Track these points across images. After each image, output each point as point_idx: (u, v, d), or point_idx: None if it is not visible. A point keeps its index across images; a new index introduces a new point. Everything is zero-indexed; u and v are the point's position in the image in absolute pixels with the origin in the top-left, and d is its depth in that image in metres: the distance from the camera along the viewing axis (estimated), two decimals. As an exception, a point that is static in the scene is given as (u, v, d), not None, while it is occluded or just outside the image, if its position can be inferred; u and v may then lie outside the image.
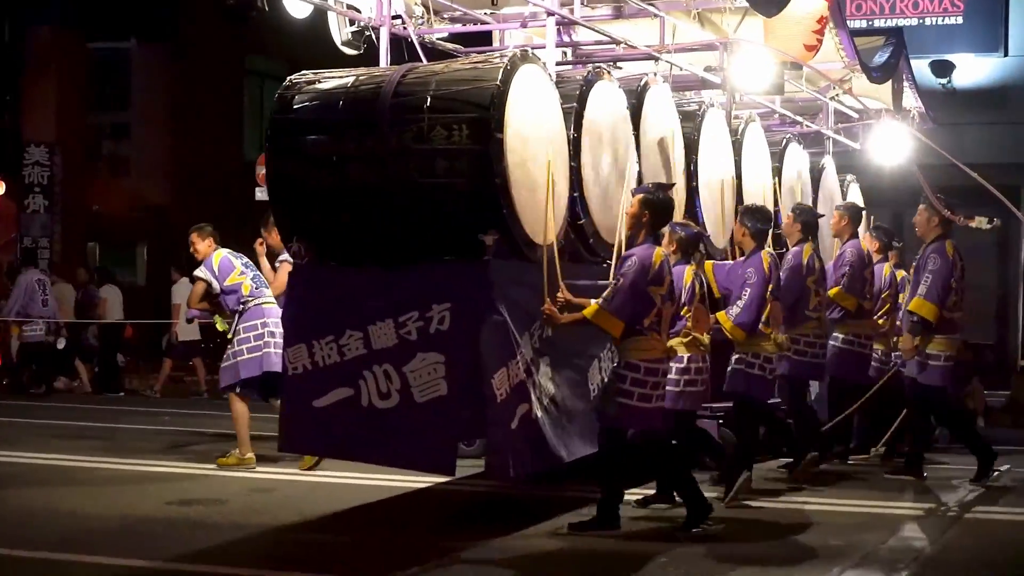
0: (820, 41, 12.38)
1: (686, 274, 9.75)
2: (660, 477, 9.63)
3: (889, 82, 14.88)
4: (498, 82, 8.86)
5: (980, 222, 12.18)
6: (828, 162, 15.04)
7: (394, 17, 10.22)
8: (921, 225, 11.48)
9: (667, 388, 9.45)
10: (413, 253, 9.08)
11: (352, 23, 10.66)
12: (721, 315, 10.41)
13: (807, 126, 14.90)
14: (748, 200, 12.53)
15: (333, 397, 9.09)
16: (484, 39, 12.08)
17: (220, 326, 12.04)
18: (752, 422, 10.75)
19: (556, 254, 8.87)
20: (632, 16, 11.80)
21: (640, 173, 10.64)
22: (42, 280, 19.09)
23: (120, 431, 14.86)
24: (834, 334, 12.16)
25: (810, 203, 13.81)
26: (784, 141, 13.79)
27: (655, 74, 11.29)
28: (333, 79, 9.51)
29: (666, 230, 9.83)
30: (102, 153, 30.56)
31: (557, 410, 9.52)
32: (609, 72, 10.44)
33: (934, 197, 11.24)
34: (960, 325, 11.46)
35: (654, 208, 8.88)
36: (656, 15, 11.72)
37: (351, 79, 9.40)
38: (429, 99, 8.96)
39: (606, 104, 10.25)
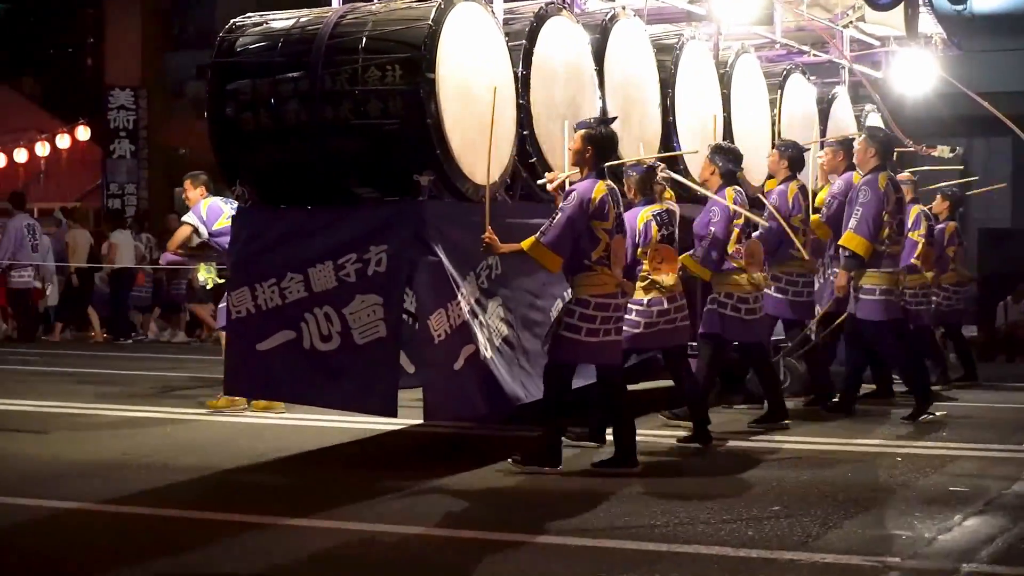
0: (797, -32, 12.16)
1: (641, 215, 9.69)
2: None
3: (901, 8, 14.58)
4: (430, 21, 8.88)
5: (942, 151, 12.00)
6: (841, 92, 14.83)
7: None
8: (858, 155, 11.35)
9: (626, 329, 9.47)
10: (351, 195, 9.14)
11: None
12: (685, 257, 10.36)
13: (815, 55, 14.65)
14: (739, 135, 12.46)
15: (276, 340, 9.17)
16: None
17: (202, 274, 12.17)
18: (715, 362, 10.73)
19: (502, 193, 8.86)
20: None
21: (604, 109, 10.58)
22: (32, 225, 19.12)
23: (121, 377, 15.04)
24: None
25: (817, 135, 13.62)
26: (784, 72, 13.60)
27: (623, 7, 11.15)
28: (277, 21, 9.58)
29: (623, 175, 9.85)
30: (186, 94, 30.08)
31: (512, 350, 9.56)
32: (566, 7, 10.36)
33: (895, 125, 11.05)
34: (898, 258, 11.29)
35: (596, 143, 8.83)
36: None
37: (292, 21, 9.46)
38: (364, 40, 9.01)
39: (561, 40, 10.21)
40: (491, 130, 8.68)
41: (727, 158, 10.66)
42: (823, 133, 14.06)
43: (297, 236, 9.18)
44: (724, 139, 12.20)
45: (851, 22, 15.04)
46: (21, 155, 25.27)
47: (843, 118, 14.71)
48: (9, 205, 20.03)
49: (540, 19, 9.98)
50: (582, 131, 8.86)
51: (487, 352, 9.20)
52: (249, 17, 9.70)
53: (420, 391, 9.02)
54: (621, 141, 10.59)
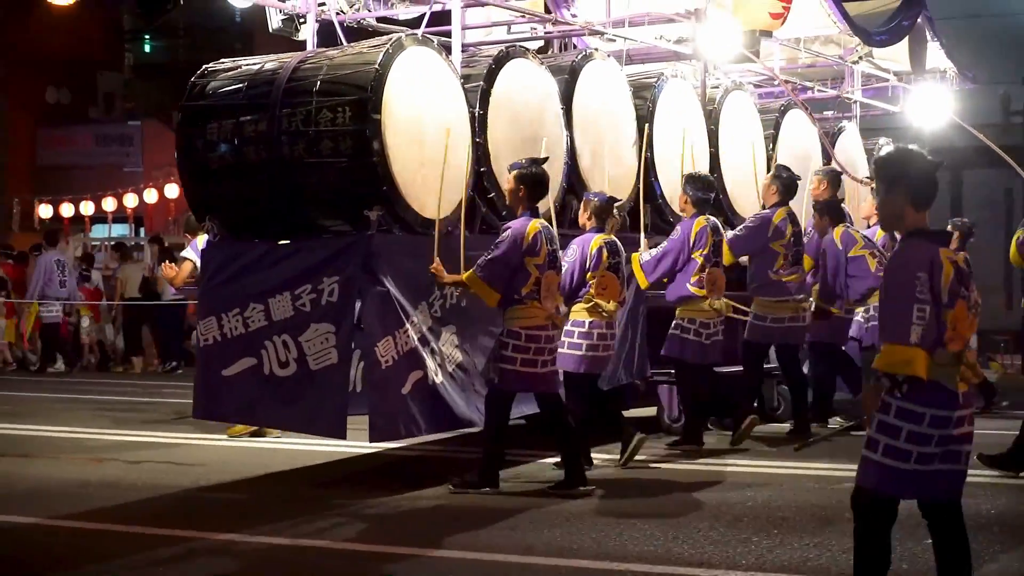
0: (787, 9, 12.59)
1: (594, 241, 10.15)
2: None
3: (905, 44, 14.91)
4: (377, 65, 9.44)
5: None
6: (849, 127, 15.14)
7: (320, 4, 10.79)
8: (763, 191, 11.98)
9: (569, 352, 9.99)
10: (307, 229, 9.72)
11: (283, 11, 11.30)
12: (634, 256, 10.89)
13: (820, 91, 15.01)
14: (728, 168, 12.87)
15: (240, 366, 9.78)
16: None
17: None
18: (690, 385, 11.13)
19: (461, 226, 9.37)
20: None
21: (573, 146, 11.07)
22: (61, 261, 19.85)
23: (148, 405, 15.67)
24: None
25: (814, 166, 13.95)
26: (781, 108, 13.98)
27: (596, 49, 11.64)
28: (246, 65, 10.21)
29: (583, 198, 10.36)
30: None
31: (467, 376, 10.08)
32: (528, 50, 10.87)
33: (835, 159, 11.42)
34: (789, 288, 11.73)
35: (528, 182, 9.32)
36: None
37: (259, 66, 10.09)
38: (318, 83, 9.61)
39: (523, 81, 10.72)
40: (443, 167, 9.25)
41: (697, 187, 11.10)
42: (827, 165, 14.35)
43: (258, 268, 9.78)
44: (712, 173, 12.64)
45: (860, 58, 15.34)
46: (172, 190, 25.90)
47: (850, 151, 14.99)
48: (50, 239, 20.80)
49: (499, 61, 10.51)
50: (515, 171, 9.36)
51: (437, 377, 9.72)
52: (222, 62, 10.34)
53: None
54: (594, 178, 11.19)
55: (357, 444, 10.57)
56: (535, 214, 9.38)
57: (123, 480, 10.02)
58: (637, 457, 10.32)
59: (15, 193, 29.32)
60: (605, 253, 10.16)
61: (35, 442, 12.18)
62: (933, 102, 15.88)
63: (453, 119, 9.90)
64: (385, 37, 9.91)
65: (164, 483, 9.86)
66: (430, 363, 9.70)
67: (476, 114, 10.22)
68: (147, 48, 37.62)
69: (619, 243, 10.30)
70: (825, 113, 16.11)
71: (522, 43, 12.55)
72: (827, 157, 14.36)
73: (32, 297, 19.59)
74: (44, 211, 27.93)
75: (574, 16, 13.37)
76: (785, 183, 11.73)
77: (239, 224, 10.06)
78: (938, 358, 5.35)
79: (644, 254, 10.91)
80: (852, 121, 15.49)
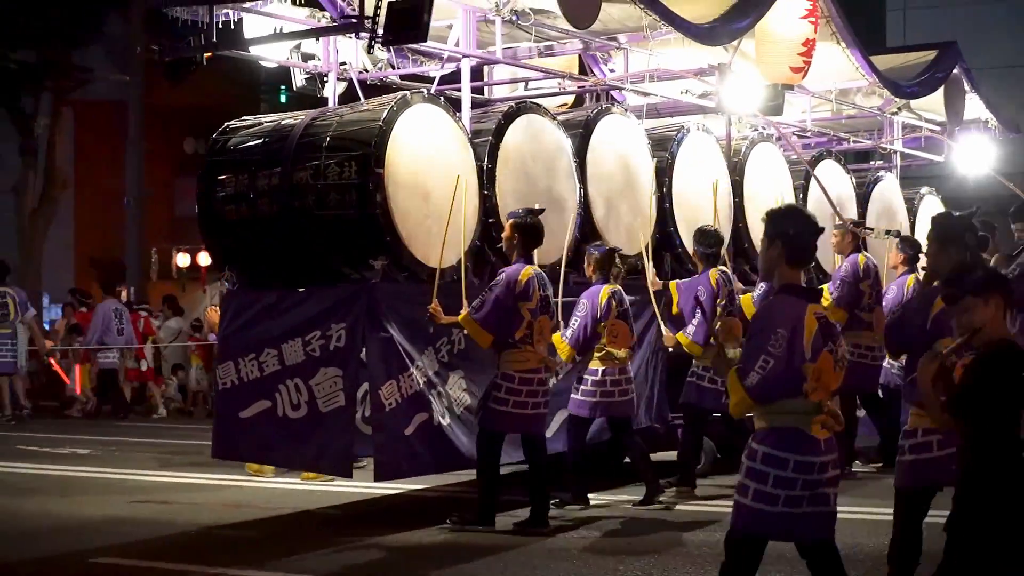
0: (807, 63, 12.86)
1: (602, 292, 10.50)
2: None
3: (941, 95, 15.13)
4: (381, 122, 9.91)
5: (879, 232, 12.53)
6: (887, 176, 15.33)
7: (341, 64, 11.29)
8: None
9: (581, 398, 10.40)
10: (318, 277, 10.19)
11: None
12: (680, 335, 11.12)
13: (855, 141, 15.25)
14: (752, 219, 13.14)
15: (255, 409, 10.27)
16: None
17: None
18: (695, 431, 11.40)
19: (464, 273, 9.79)
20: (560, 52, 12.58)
21: (587, 198, 11.44)
22: (119, 309, 20.38)
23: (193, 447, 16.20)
24: None
25: (849, 215, 14.16)
26: (812, 159, 14.24)
27: (613, 103, 12.04)
28: (267, 123, 10.75)
29: (586, 252, 10.73)
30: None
31: (475, 417, 10.43)
32: (540, 106, 11.30)
33: (836, 210, 11.65)
34: (870, 323, 12.20)
35: (522, 231, 9.72)
36: (620, 47, 12.48)
37: (276, 123, 10.62)
38: (328, 139, 10.11)
39: (534, 135, 11.12)
40: (448, 220, 9.69)
41: (705, 242, 11.37)
42: (862, 215, 14.57)
43: (272, 315, 10.27)
44: (736, 224, 12.96)
45: (899, 109, 15.55)
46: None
47: (889, 201, 15.17)
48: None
49: (508, 117, 10.93)
50: (511, 220, 9.78)
51: (444, 419, 10.14)
52: (245, 119, 10.89)
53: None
54: (607, 228, 11.56)
55: (370, 484, 10.99)
56: (529, 261, 9.75)
57: (152, 518, 10.54)
58: (627, 497, 10.62)
59: (153, 242, 30.02)
60: (614, 303, 10.51)
61: (79, 482, 12.75)
62: (975, 152, 16.02)
63: (459, 173, 10.32)
64: (394, 95, 10.34)
65: (185, 520, 10.35)
66: (436, 406, 10.10)
67: (484, 167, 10.62)
68: (283, 98, 38.55)
69: (622, 291, 10.63)
70: (872, 164, 16.29)
71: (547, 97, 13.09)
72: (861, 208, 14.59)
73: (90, 344, 20.25)
74: (182, 260, 28.68)
75: (612, 71, 13.77)
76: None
77: (255, 273, 10.57)
78: (797, 407, 5.70)
79: (688, 329, 11.12)
80: (892, 171, 15.67)
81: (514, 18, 11.09)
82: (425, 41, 10.06)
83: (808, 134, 15.05)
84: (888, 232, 12.67)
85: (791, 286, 5.90)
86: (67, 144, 26.90)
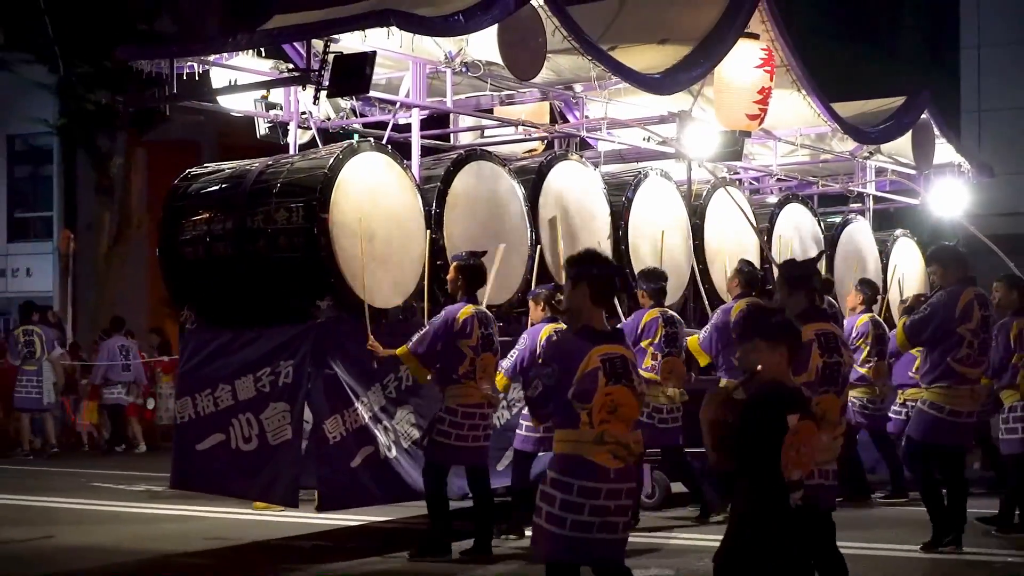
0: (763, 110, 13.21)
1: (545, 329, 10.84)
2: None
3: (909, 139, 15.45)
4: (327, 169, 10.37)
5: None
6: (857, 220, 15.65)
7: (303, 113, 11.77)
8: (727, 284, 12.67)
9: (525, 434, 10.85)
10: (269, 317, 10.64)
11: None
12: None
13: (823, 186, 15.58)
14: (713, 260, 13.50)
15: (211, 441, 10.73)
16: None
17: None
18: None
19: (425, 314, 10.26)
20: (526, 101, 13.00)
21: (536, 242, 11.84)
22: (125, 346, 20.86)
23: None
24: None
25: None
26: (778, 203, 14.59)
27: (565, 149, 12.46)
28: (225, 170, 11.24)
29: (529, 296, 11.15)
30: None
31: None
32: (490, 152, 11.73)
33: (769, 258, 12.01)
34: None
35: (465, 272, 10.12)
36: (575, 97, 12.91)
37: (232, 170, 11.10)
38: (279, 186, 10.59)
39: (483, 180, 11.53)
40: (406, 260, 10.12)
41: (649, 280, 11.73)
42: (831, 257, 14.89)
43: (226, 353, 10.73)
44: (697, 264, 13.33)
45: (871, 154, 15.86)
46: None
47: (858, 243, 15.47)
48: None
49: (457, 164, 11.35)
50: (454, 262, 10.20)
51: (391, 452, 10.56)
52: (205, 167, 11.39)
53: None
54: (562, 270, 11.90)
55: (334, 515, 11.40)
56: (472, 300, 10.13)
57: (112, 547, 10.96)
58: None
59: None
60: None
61: (62, 514, 13.23)
62: (949, 195, 16.31)
63: (405, 218, 10.76)
64: (342, 143, 10.81)
65: (148, 548, 10.79)
66: (382, 439, 10.52)
67: (433, 212, 11.04)
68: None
69: None
70: (846, 207, 16.60)
71: (514, 143, 13.54)
72: (829, 250, 14.90)
73: (96, 380, 20.71)
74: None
75: (587, 117, 14.15)
76: (747, 277, 12.29)
77: (212, 313, 11.02)
78: (578, 436, 6.11)
79: None
80: (865, 214, 15.99)
81: (464, 70, 11.49)
82: (367, 93, 10.51)
83: (774, 178, 15.37)
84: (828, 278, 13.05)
85: (587, 328, 6.35)
86: (141, 184, 27.27)
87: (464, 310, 10.01)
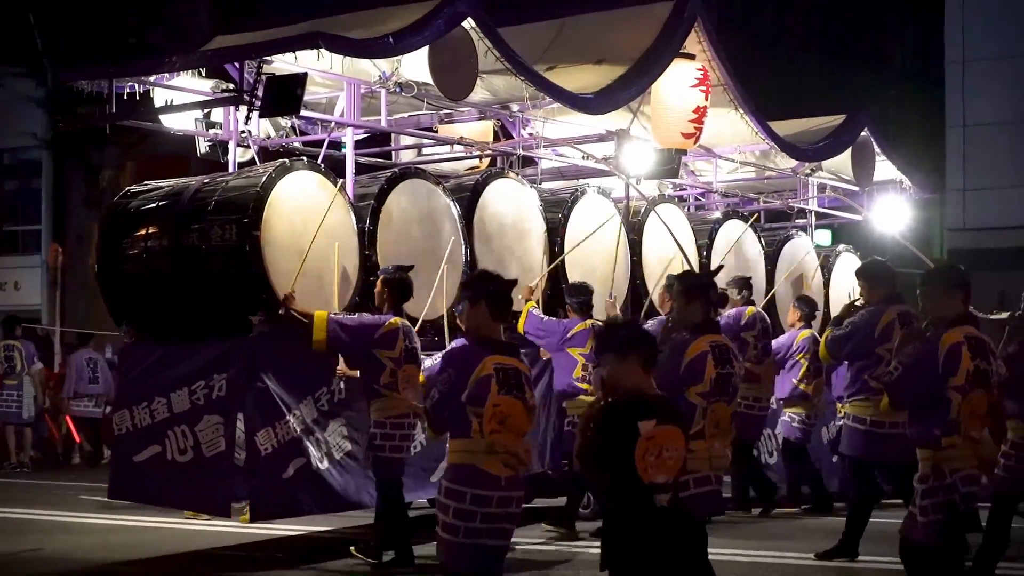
0: (699, 129, 13.39)
1: None
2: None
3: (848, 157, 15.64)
4: (259, 188, 10.51)
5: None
6: (798, 235, 15.82)
7: (242, 132, 11.91)
8: (657, 300, 12.77)
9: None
10: (204, 332, 10.77)
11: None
12: None
13: (764, 202, 15.76)
14: (651, 275, 13.65)
15: (147, 453, 10.84)
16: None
17: None
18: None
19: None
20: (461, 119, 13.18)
21: (472, 256, 11.98)
22: (92, 359, 20.71)
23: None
24: None
25: (758, 275, 14.67)
26: (717, 219, 14.76)
27: (508, 166, 12.63)
28: (163, 187, 11.38)
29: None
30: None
31: (357, 462, 10.97)
32: (423, 171, 11.90)
33: (684, 254, 12.30)
34: (758, 375, 12.81)
35: (391, 286, 10.27)
36: (513, 116, 13.08)
37: (170, 188, 11.25)
38: (213, 204, 10.73)
39: (417, 198, 11.67)
40: (336, 275, 10.27)
41: (574, 294, 11.89)
42: (771, 272, 15.08)
43: (162, 367, 10.86)
44: (635, 280, 13.48)
45: (812, 171, 16.05)
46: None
47: (799, 258, 15.63)
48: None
49: (391, 182, 11.50)
50: (381, 276, 10.35)
51: (323, 464, 10.69)
52: (145, 184, 11.53)
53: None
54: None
55: (277, 526, 11.62)
56: (398, 314, 10.26)
57: (52, 556, 11.13)
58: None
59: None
60: None
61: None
62: (891, 211, 16.51)
63: (337, 235, 10.89)
64: (275, 162, 10.95)
65: (85, 559, 10.92)
66: (314, 451, 10.65)
67: (366, 229, 11.18)
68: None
69: None
70: (795, 222, 16.78)
71: (458, 160, 13.70)
72: (770, 265, 15.08)
73: (68, 394, 20.72)
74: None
75: (531, 135, 14.30)
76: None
77: (149, 328, 11.16)
78: (471, 446, 6.28)
79: None
80: (808, 230, 16.19)
81: (398, 90, 11.65)
82: (299, 113, 10.67)
83: (718, 195, 15.56)
84: (740, 292, 13.20)
85: (488, 339, 6.51)
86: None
87: (390, 322, 10.16)
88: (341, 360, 10.32)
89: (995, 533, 9.08)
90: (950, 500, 6.92)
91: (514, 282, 6.89)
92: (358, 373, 10.36)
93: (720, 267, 11.57)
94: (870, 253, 16.38)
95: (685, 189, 16.32)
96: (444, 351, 6.77)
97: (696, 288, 7.77)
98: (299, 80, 10.45)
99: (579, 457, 5.96)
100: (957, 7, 25.28)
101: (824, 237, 17.80)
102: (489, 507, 6.31)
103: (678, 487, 5.96)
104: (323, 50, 10.50)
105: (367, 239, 11.21)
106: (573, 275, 12.84)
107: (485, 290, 6.65)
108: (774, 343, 13.32)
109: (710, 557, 6.90)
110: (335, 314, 10.08)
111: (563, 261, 12.85)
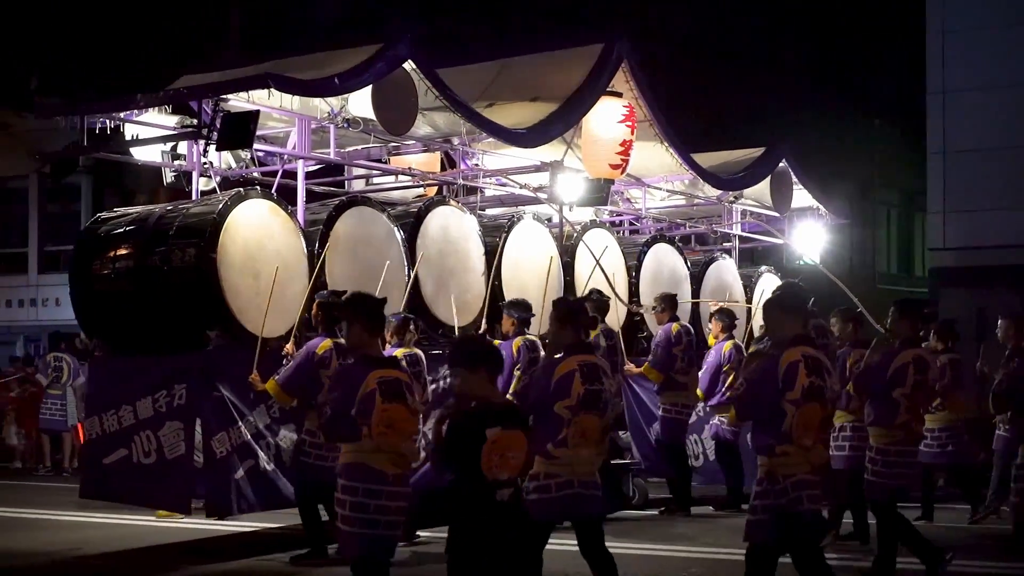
0: (625, 161, 14.04)
1: (395, 353, 11.57)
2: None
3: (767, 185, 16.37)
4: (215, 214, 11.15)
5: (646, 307, 13.84)
6: (723, 258, 16.53)
7: (204, 164, 12.54)
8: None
9: None
10: (165, 345, 11.40)
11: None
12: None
13: (691, 227, 16.50)
14: (581, 294, 14.30)
15: (115, 456, 11.45)
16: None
17: None
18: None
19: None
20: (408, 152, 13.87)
21: (416, 277, 12.62)
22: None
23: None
24: (658, 403, 13.83)
25: (684, 294, 15.35)
26: (646, 242, 15.46)
27: (455, 194, 13.35)
28: (131, 213, 12.02)
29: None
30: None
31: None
32: (369, 199, 12.56)
33: (613, 291, 12.90)
34: (685, 384, 13.43)
35: (324, 309, 10.86)
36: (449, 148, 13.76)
37: (137, 214, 11.89)
38: (175, 228, 11.36)
39: (363, 224, 12.32)
40: (269, 298, 10.90)
41: (516, 310, 12.50)
42: (696, 293, 15.79)
43: (129, 378, 11.48)
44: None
45: (735, 198, 16.76)
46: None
47: (723, 279, 16.34)
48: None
49: (339, 208, 12.14)
50: (316, 300, 10.95)
51: (270, 466, 11.31)
52: (115, 210, 12.18)
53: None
54: (438, 303, 12.72)
55: (232, 522, 12.18)
56: (331, 334, 10.83)
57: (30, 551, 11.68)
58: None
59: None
60: (404, 364, 11.59)
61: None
62: (809, 236, 17.24)
63: (288, 257, 11.53)
64: (231, 191, 11.60)
65: (49, 551, 11.52)
66: (263, 454, 11.28)
67: (316, 252, 11.82)
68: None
69: (420, 353, 11.74)
70: (721, 245, 17.47)
71: (407, 189, 14.36)
72: (695, 285, 15.79)
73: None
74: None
75: (476, 165, 14.99)
76: (597, 305, 13.12)
77: (116, 342, 11.80)
78: (364, 446, 6.94)
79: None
80: (731, 253, 16.91)
81: (345, 125, 12.30)
82: (251, 147, 11.30)
83: (650, 220, 16.29)
84: (652, 307, 13.90)
85: (366, 356, 7.17)
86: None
87: (324, 343, 10.68)
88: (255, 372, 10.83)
89: (885, 540, 9.61)
90: (779, 503, 7.34)
91: (384, 300, 7.58)
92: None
93: (593, 291, 12.40)
94: (792, 274, 17.20)
95: (620, 215, 17.01)
96: (346, 369, 7.39)
97: (568, 314, 8.26)
98: (251, 117, 11.06)
99: (433, 456, 6.63)
100: (937, 44, 26.03)
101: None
102: (380, 500, 6.96)
103: (518, 485, 6.53)
104: (272, 90, 11.12)
105: (317, 261, 11.84)
106: (509, 294, 13.49)
107: (362, 310, 7.32)
108: (708, 359, 13.97)
109: (645, 553, 7.35)
110: (277, 375, 10.60)
111: (500, 281, 13.49)
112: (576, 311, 8.33)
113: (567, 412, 7.84)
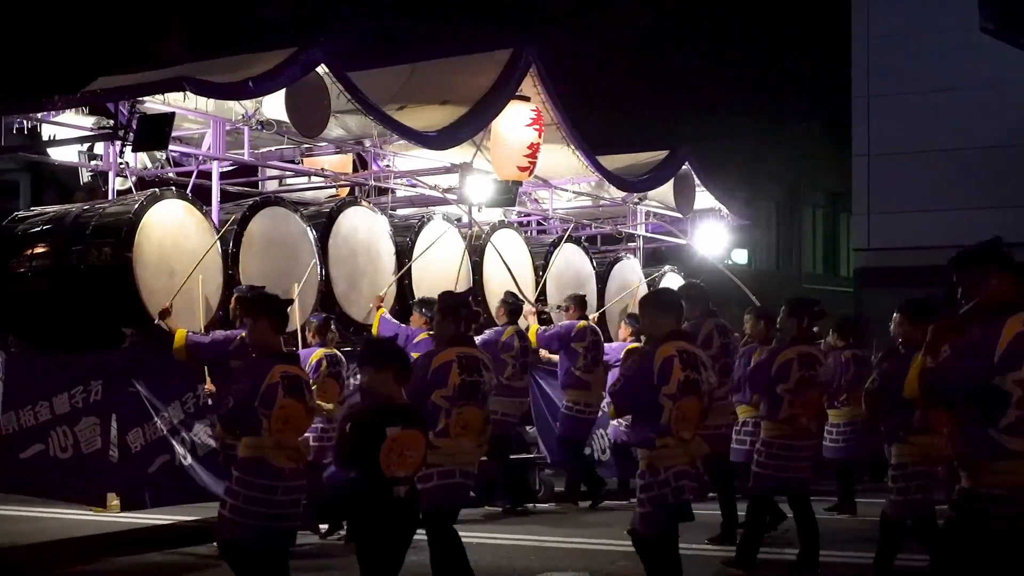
0: (532, 163, 14.28)
1: (315, 353, 11.75)
2: None
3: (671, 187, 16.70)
4: (131, 214, 11.24)
5: (550, 306, 14.15)
6: (627, 258, 16.84)
7: (120, 164, 12.59)
8: (495, 313, 13.81)
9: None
10: (82, 342, 11.47)
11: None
12: None
13: (596, 228, 16.80)
14: (490, 293, 14.54)
15: (32, 451, 11.47)
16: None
17: None
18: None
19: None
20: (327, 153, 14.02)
21: (327, 276, 12.79)
22: None
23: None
24: (562, 400, 14.07)
25: (590, 293, 15.62)
26: (554, 242, 15.72)
27: (366, 195, 13.50)
28: (48, 212, 12.06)
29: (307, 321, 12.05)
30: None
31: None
32: (282, 199, 12.70)
33: (519, 289, 13.15)
34: (589, 382, 13.65)
35: (243, 304, 10.97)
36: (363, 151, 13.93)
37: (54, 213, 11.93)
38: (91, 228, 11.42)
39: (276, 223, 12.45)
40: (176, 293, 11.01)
41: (427, 308, 12.64)
42: (601, 291, 16.07)
43: (45, 373, 11.52)
44: (476, 298, 14.32)
45: (640, 200, 17.07)
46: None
47: (627, 277, 16.63)
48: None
49: (252, 209, 12.26)
50: (235, 295, 11.06)
51: (186, 460, 11.41)
52: (33, 210, 12.21)
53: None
54: (350, 301, 12.89)
55: (148, 515, 12.30)
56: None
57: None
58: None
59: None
60: (324, 363, 11.77)
61: None
62: (711, 236, 17.59)
63: (202, 256, 11.64)
64: (147, 191, 11.68)
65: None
66: (179, 449, 11.38)
67: (229, 251, 11.94)
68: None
69: (339, 354, 11.92)
70: (626, 245, 17.77)
71: (320, 190, 14.51)
72: (600, 284, 16.07)
73: None
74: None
75: (387, 167, 15.15)
76: (510, 307, 13.39)
77: (34, 339, 11.83)
78: (258, 443, 7.20)
79: None
80: (636, 252, 17.22)
81: (260, 127, 12.43)
82: (166, 149, 11.41)
83: (557, 220, 16.57)
84: (558, 307, 14.21)
85: (272, 352, 7.36)
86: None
87: (241, 336, 10.85)
88: (208, 378, 10.97)
89: (752, 526, 9.95)
90: (662, 494, 7.51)
91: (290, 301, 7.77)
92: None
93: (470, 291, 12.67)
94: (693, 273, 17.55)
95: (528, 216, 17.27)
96: (249, 366, 7.56)
97: (449, 307, 8.51)
98: (167, 119, 11.16)
99: (335, 452, 6.83)
100: (862, 49, 26.54)
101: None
102: (275, 495, 7.13)
103: (414, 482, 6.80)
104: (187, 92, 11.23)
105: (230, 260, 11.97)
106: (419, 293, 13.70)
107: (268, 309, 7.50)
108: (607, 349, 14.25)
109: (550, 545, 7.55)
110: (192, 332, 10.76)
111: (410, 279, 13.70)
112: (457, 305, 8.55)
113: (444, 402, 8.07)
